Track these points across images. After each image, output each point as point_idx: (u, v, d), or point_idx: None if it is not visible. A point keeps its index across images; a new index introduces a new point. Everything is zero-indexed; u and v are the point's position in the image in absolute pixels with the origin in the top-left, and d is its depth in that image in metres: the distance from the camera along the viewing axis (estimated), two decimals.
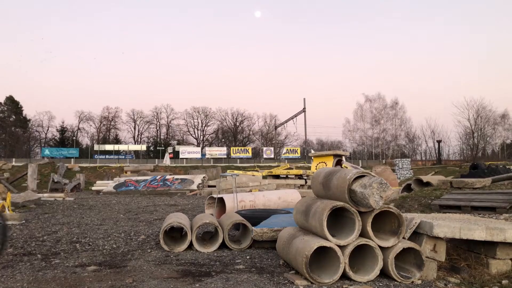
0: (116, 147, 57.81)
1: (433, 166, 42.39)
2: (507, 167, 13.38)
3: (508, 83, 77.67)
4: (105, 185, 24.67)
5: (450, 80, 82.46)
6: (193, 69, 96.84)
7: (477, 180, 8.45)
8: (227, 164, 47.15)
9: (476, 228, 4.11)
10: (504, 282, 3.95)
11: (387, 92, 62.20)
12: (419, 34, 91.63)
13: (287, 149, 59.19)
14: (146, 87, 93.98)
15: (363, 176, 4.19)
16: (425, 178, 9.78)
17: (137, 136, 72.93)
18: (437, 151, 52.03)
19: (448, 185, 8.92)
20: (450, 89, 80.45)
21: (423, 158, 58.40)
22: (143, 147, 64.11)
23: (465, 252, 4.52)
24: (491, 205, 6.52)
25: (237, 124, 75.22)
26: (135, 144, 68.47)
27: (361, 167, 32.35)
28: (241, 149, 59.78)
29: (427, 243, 4.20)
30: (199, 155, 54.64)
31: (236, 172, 25.84)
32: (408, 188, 9.97)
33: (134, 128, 72.73)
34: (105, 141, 66.66)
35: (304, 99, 55.04)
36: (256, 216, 6.72)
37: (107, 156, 53.83)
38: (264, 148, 59.75)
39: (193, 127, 74.46)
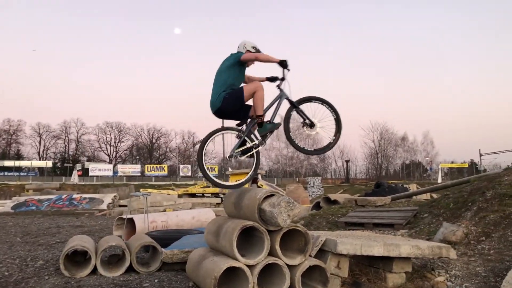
0: (17, 163, 53.06)
1: (342, 185, 44.91)
2: (405, 186, 14.62)
3: (407, 107, 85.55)
4: (1, 205, 22.38)
5: (358, 103, 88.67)
6: (107, 82, 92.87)
7: (379, 198, 9.10)
8: (141, 182, 45.55)
9: (375, 245, 4.38)
10: None
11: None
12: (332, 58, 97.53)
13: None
14: (54, 99, 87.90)
15: (272, 195, 4.29)
16: (332, 197, 10.31)
17: (43, 151, 67.68)
18: (345, 170, 55.21)
19: (353, 203, 9.47)
20: (357, 112, 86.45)
21: (333, 177, 61.64)
22: (49, 164, 59.56)
23: (366, 268, 4.80)
24: (390, 222, 7.04)
25: (153, 140, 73.28)
26: (39, 160, 63.31)
27: (276, 185, 33.17)
28: (156, 166, 58.24)
29: (332, 260, 4.38)
30: (110, 173, 52.14)
31: (150, 190, 25.03)
32: (317, 205, 10.41)
33: (40, 143, 67.42)
34: (4, 156, 60.79)
35: None
36: (167, 237, 6.53)
37: (6, 173, 49.11)
38: (181, 166, 58.85)
39: (106, 143, 70.99)
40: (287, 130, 4.81)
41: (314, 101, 4.88)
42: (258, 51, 4.87)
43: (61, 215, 19.01)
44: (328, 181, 55.63)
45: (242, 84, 4.77)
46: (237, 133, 4.78)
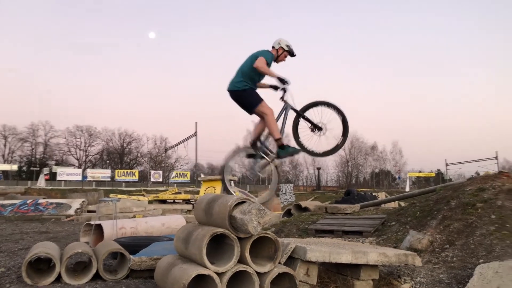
0: None
1: (313, 192, 45.35)
2: (374, 194, 14.91)
3: (377, 117, 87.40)
4: None
5: None
6: (77, 84, 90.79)
7: (348, 206, 9.24)
8: (111, 188, 44.63)
9: (343, 252, 4.44)
10: None
11: None
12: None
13: (177, 173, 58.27)
14: (20, 101, 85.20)
15: (244, 202, 4.29)
16: (303, 204, 10.40)
17: (8, 154, 65.35)
18: (317, 178, 55.81)
19: (323, 210, 9.58)
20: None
21: (305, 184, 62.16)
22: (14, 167, 57.55)
23: (335, 275, 4.85)
24: (358, 229, 7.15)
25: (125, 145, 72.03)
26: (4, 163, 61.07)
27: (248, 191, 33.18)
28: (127, 172, 57.19)
29: (301, 267, 4.42)
30: (79, 177, 50.91)
31: (120, 196, 24.56)
32: (288, 212, 10.48)
33: (5, 146, 65.14)
34: None
35: (196, 123, 55.19)
36: (136, 244, 6.41)
37: None
38: (152, 172, 58.05)
39: (75, 146, 69.30)
40: (296, 138, 5.08)
41: (319, 105, 5.09)
42: (291, 51, 5.21)
43: (26, 220, 18.37)
44: (299, 188, 56.08)
45: (262, 100, 5.04)
46: (253, 152, 5.12)
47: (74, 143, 68.38)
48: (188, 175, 56.05)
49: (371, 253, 4.50)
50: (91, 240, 8.11)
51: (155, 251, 5.80)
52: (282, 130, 5.06)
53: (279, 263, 4.36)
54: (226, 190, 5.12)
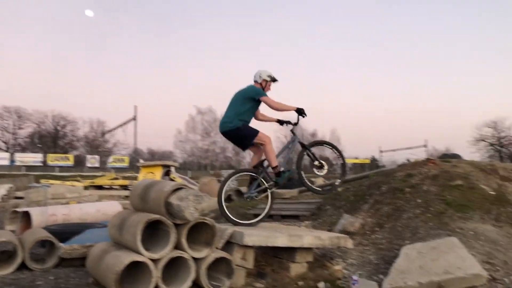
0: None
1: None
2: (312, 179, 15.35)
3: (317, 104, 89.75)
4: None
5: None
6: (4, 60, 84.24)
7: (287, 191, 9.44)
8: (43, 173, 42.23)
9: (280, 236, 4.53)
10: (300, 283, 4.46)
11: (218, 106, 65.55)
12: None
13: (114, 158, 56.34)
14: None
15: (181, 188, 4.22)
16: (244, 189, 10.45)
17: None
18: None
19: None
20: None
21: None
22: None
23: (272, 258, 4.95)
24: (296, 213, 7.34)
25: (59, 128, 68.18)
26: None
27: (190, 178, 32.88)
28: (61, 156, 54.38)
29: (237, 252, 4.45)
30: (7, 162, 47.62)
31: (52, 182, 23.32)
32: (229, 198, 10.48)
33: None
34: None
35: (136, 106, 53.43)
36: (68, 231, 6.11)
37: None
38: (89, 156, 55.64)
39: (2, 129, 64.54)
40: (299, 169, 5.38)
41: (324, 145, 5.56)
42: (273, 79, 5.39)
43: None
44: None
45: (258, 131, 5.21)
46: (253, 175, 5.28)
47: (1, 125, 63.76)
48: (127, 160, 54.33)
49: (306, 236, 4.63)
50: (18, 228, 7.63)
51: (88, 238, 5.57)
52: (287, 159, 5.56)
53: (217, 248, 4.37)
54: (223, 213, 5.18)
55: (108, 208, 8.94)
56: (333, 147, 5.50)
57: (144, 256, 3.87)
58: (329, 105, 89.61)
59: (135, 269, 4.09)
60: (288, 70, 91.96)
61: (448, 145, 63.36)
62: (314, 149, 5.43)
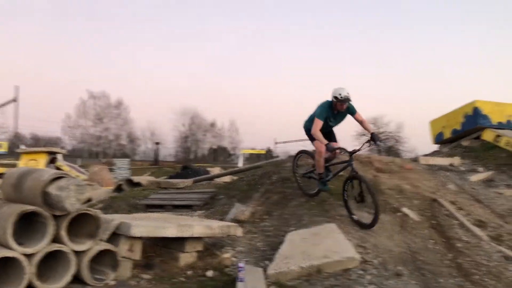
0: None
1: (150, 167, 44.57)
2: (207, 169, 15.45)
3: (218, 94, 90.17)
4: None
5: (174, 87, 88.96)
6: None
7: (181, 180, 9.35)
8: None
9: (169, 226, 4.47)
10: (189, 272, 4.46)
11: (112, 91, 62.07)
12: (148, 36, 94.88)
13: None
14: None
15: (62, 177, 3.93)
16: (135, 179, 10.10)
17: None
18: (155, 153, 55.01)
19: (157, 185, 9.49)
20: (171, 95, 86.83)
21: (143, 159, 60.67)
22: None
23: (161, 249, 4.87)
24: (188, 203, 7.31)
25: None
26: None
27: (79, 166, 30.73)
28: None
29: (124, 243, 4.29)
30: None
31: None
32: (119, 188, 10.07)
33: None
34: None
35: (17, 87, 48.13)
36: None
37: None
38: None
39: None
40: (343, 195, 5.51)
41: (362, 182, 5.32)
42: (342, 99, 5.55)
43: None
44: (137, 163, 54.41)
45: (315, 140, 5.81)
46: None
47: None
48: (5, 146, 48.77)
49: (196, 226, 4.64)
50: None
51: None
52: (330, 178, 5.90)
53: (102, 240, 4.16)
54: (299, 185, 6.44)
55: None
56: (367, 185, 5.27)
57: (16, 251, 3.53)
58: (229, 95, 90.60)
59: (8, 266, 3.72)
60: (189, 58, 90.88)
61: None
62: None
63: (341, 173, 5.88)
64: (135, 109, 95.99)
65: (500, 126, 11.13)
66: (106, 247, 4.01)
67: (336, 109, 5.64)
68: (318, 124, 5.59)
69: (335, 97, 5.51)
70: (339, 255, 4.48)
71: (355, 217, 5.34)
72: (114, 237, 4.37)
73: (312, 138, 5.81)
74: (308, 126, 5.90)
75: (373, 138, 5.54)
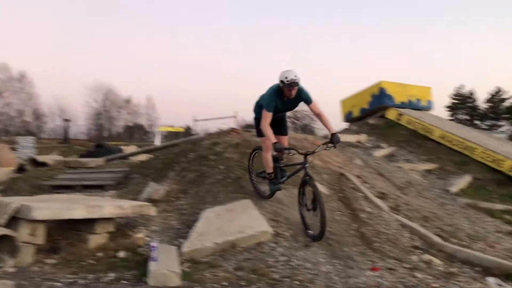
0: None
1: (59, 145, 41.65)
2: (121, 147, 14.83)
3: (132, 70, 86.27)
4: None
5: (80, 58, 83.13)
6: None
7: (92, 160, 8.90)
8: None
9: (77, 207, 4.25)
10: (99, 254, 4.30)
11: (14, 64, 56.10)
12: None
13: None
14: None
15: None
16: (40, 158, 9.40)
17: None
18: (64, 130, 51.57)
19: (65, 165, 8.92)
20: (81, 68, 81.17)
21: (51, 137, 56.55)
22: None
23: (69, 231, 4.61)
24: (100, 183, 7.00)
25: None
26: None
27: None
28: None
29: (25, 227, 3.99)
30: None
31: None
32: (23, 168, 9.29)
33: None
34: None
35: None
36: None
37: None
38: None
39: None
40: (299, 202, 4.95)
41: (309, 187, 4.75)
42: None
43: None
44: (44, 141, 50.56)
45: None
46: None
47: None
48: None
49: (107, 206, 4.47)
50: None
51: None
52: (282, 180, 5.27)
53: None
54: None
55: None
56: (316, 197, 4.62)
57: None
58: (146, 70, 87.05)
59: None
60: (102, 31, 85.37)
61: None
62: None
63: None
64: (42, 83, 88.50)
65: (402, 105, 12.12)
66: (3, 232, 3.69)
67: (284, 95, 4.82)
68: (267, 117, 4.80)
69: (281, 81, 4.69)
70: (253, 230, 4.60)
71: (310, 232, 4.71)
72: (14, 221, 4.05)
73: (259, 132, 5.08)
74: (257, 113, 5.18)
75: (333, 141, 4.78)
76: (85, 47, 78.08)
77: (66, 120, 51.04)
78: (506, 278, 4.10)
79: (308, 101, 4.94)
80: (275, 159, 5.21)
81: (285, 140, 5.38)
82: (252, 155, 5.76)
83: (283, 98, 4.86)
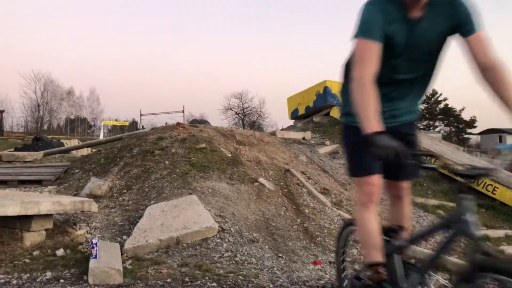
0: None
1: None
2: (61, 141, 14.18)
3: (75, 61, 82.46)
4: None
5: (16, 47, 78.25)
6: None
7: (29, 153, 8.43)
8: None
9: (10, 204, 4.01)
10: (36, 253, 4.09)
11: None
12: None
13: None
14: None
15: None
16: None
17: None
18: None
19: None
20: (19, 59, 76.44)
21: None
22: None
23: (2, 229, 4.36)
24: (38, 178, 6.66)
25: None
26: None
27: None
28: None
29: None
30: None
31: None
32: None
33: None
34: None
35: None
36: None
37: None
38: None
39: None
40: None
41: None
42: None
43: None
44: None
45: None
46: None
47: None
48: None
49: (44, 202, 4.26)
50: None
51: None
52: None
53: None
54: None
55: None
56: None
57: None
58: (90, 62, 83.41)
59: None
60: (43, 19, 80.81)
61: (203, 112, 68.74)
62: None
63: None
64: None
65: None
66: None
67: (409, 8, 1.92)
68: (366, 57, 1.89)
69: None
70: (198, 226, 4.58)
71: None
72: None
73: (352, 164, 2.32)
74: (345, 109, 2.34)
75: None
76: (23, 32, 73.63)
77: (1, 112, 47.85)
78: (436, 269, 4.38)
79: (470, 27, 1.91)
80: (386, 231, 2.36)
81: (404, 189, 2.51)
82: (344, 231, 2.76)
83: (406, 16, 1.94)
